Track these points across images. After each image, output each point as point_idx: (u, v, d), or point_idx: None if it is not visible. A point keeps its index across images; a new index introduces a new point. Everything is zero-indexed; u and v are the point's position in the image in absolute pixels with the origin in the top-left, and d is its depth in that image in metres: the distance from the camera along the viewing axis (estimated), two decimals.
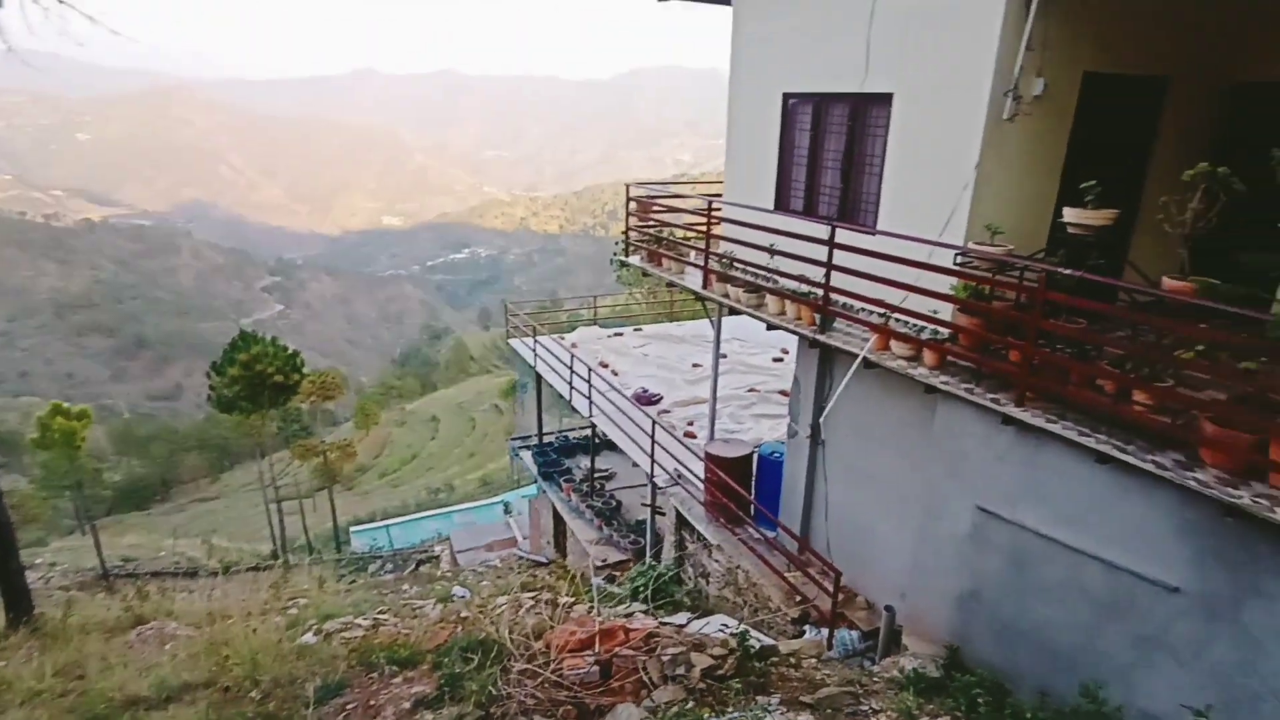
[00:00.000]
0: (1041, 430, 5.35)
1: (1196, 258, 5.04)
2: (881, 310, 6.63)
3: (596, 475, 14.89)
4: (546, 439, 16.76)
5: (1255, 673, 4.67)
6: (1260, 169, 4.57)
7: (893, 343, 6.53)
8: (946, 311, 6.22)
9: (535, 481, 16.59)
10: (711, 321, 10.24)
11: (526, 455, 16.31)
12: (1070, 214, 5.30)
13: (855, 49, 7.19)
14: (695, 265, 9.20)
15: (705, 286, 8.98)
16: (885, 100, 7.05)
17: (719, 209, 9.05)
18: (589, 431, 14.99)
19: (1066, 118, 6.54)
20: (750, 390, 13.74)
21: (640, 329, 18.25)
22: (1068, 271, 4.98)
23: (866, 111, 7.34)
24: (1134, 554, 5.16)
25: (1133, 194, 6.92)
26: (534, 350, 15.08)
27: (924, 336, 6.37)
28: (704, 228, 9.13)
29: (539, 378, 15.40)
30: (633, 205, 10.88)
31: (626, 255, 11.26)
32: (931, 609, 6.80)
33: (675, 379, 14.31)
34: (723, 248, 8.98)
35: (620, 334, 17.63)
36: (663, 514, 11.48)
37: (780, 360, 14.84)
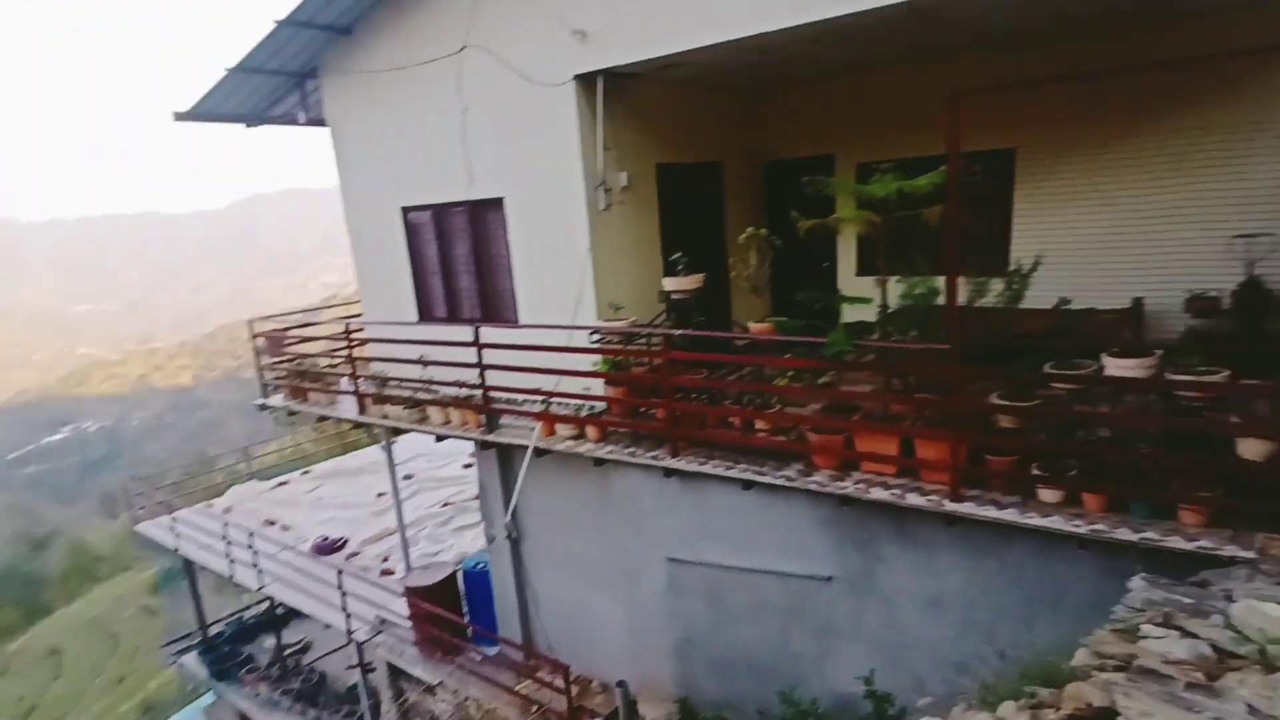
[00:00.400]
0: (697, 474, 5.93)
1: (787, 302, 6.15)
2: (541, 398, 6.85)
3: (287, 652, 12.75)
4: (215, 630, 13.94)
5: (897, 627, 5.61)
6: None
7: (557, 426, 6.75)
8: (598, 386, 6.64)
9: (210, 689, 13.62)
10: (381, 446, 9.60)
11: (190, 658, 13.34)
12: (669, 283, 6.11)
13: (458, 163, 7.54)
14: (346, 392, 8.59)
15: (362, 412, 8.41)
16: (498, 204, 7.47)
17: (361, 329, 8.63)
18: (267, 605, 12.84)
19: (653, 201, 7.61)
20: (445, 504, 13.14)
21: (309, 471, 16.41)
22: (679, 332, 5.70)
23: (484, 216, 7.69)
24: (795, 559, 5.92)
25: (722, 256, 8.29)
26: (173, 531, 12.58)
27: (583, 414, 6.71)
28: (349, 352, 8.60)
29: (188, 563, 12.85)
30: (261, 343, 9.85)
31: (265, 397, 10.10)
32: (656, 669, 6.99)
33: (359, 516, 13.05)
34: (374, 368, 8.55)
35: (285, 482, 15.64)
36: (373, 669, 10.20)
37: (471, 465, 14.49)
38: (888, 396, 5.37)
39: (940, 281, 5.30)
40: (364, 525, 12.59)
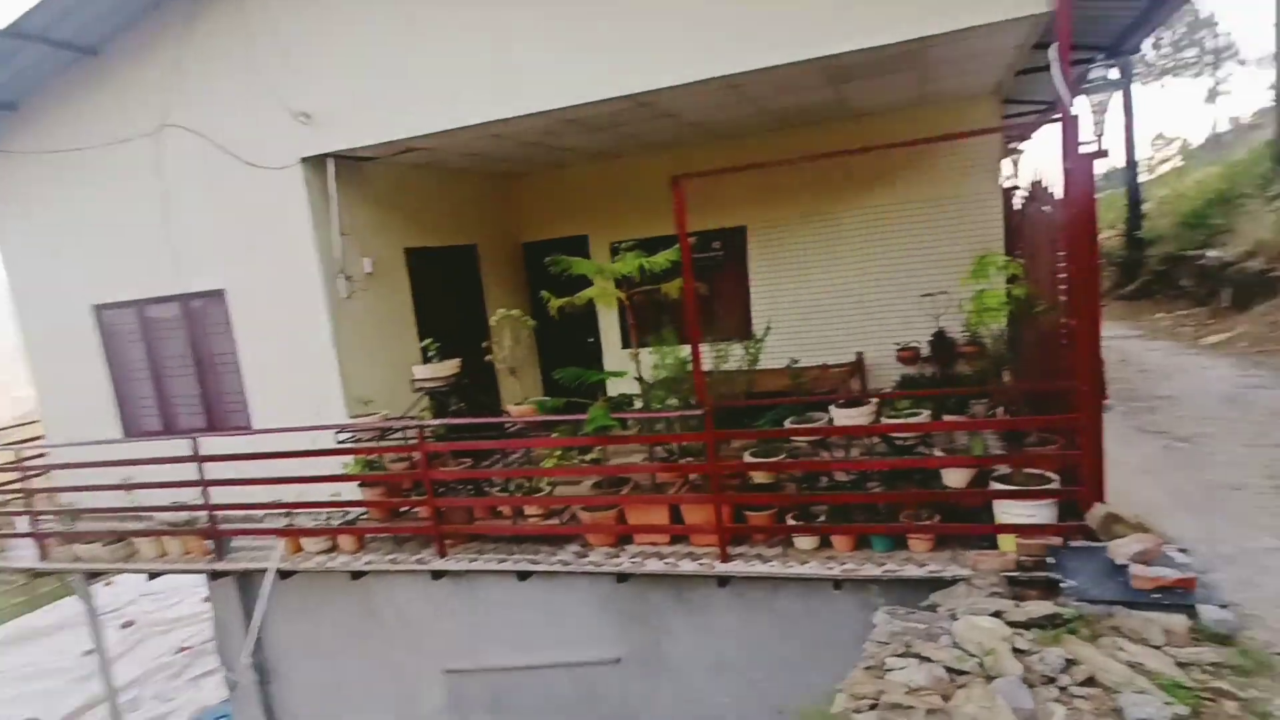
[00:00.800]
0: (469, 572, 5.49)
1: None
2: (284, 510, 6.00)
3: None
4: None
5: (691, 698, 5.52)
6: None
7: (304, 541, 5.93)
8: (350, 491, 5.97)
9: None
10: (79, 595, 7.80)
11: None
12: (420, 371, 5.75)
13: (163, 253, 6.61)
14: (20, 535, 6.89)
15: (45, 558, 6.78)
16: (218, 296, 6.62)
17: (43, 454, 7.05)
18: None
19: (404, 286, 7.23)
20: (181, 650, 11.02)
21: None
22: (433, 422, 5.33)
23: (202, 310, 6.77)
24: (581, 646, 5.64)
25: (485, 339, 8.05)
26: None
27: (336, 524, 5.98)
28: (22, 485, 6.96)
29: None
30: None
31: None
32: None
33: (57, 686, 10.46)
34: (62, 500, 6.99)
35: None
36: None
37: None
38: (653, 466, 5.41)
39: (687, 350, 5.58)
40: (66, 698, 10.11)
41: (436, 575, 5.55)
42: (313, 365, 6.24)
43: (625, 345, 9.01)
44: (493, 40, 5.56)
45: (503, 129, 6.06)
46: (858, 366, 7.89)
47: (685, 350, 5.13)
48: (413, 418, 5.68)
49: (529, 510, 5.61)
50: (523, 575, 5.38)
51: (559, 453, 5.62)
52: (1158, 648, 3.25)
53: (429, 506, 5.49)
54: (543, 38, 5.45)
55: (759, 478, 5.26)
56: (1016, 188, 8.07)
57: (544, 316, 5.92)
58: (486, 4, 5.54)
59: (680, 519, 5.31)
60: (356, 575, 5.77)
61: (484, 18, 5.56)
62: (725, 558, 4.99)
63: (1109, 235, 16.12)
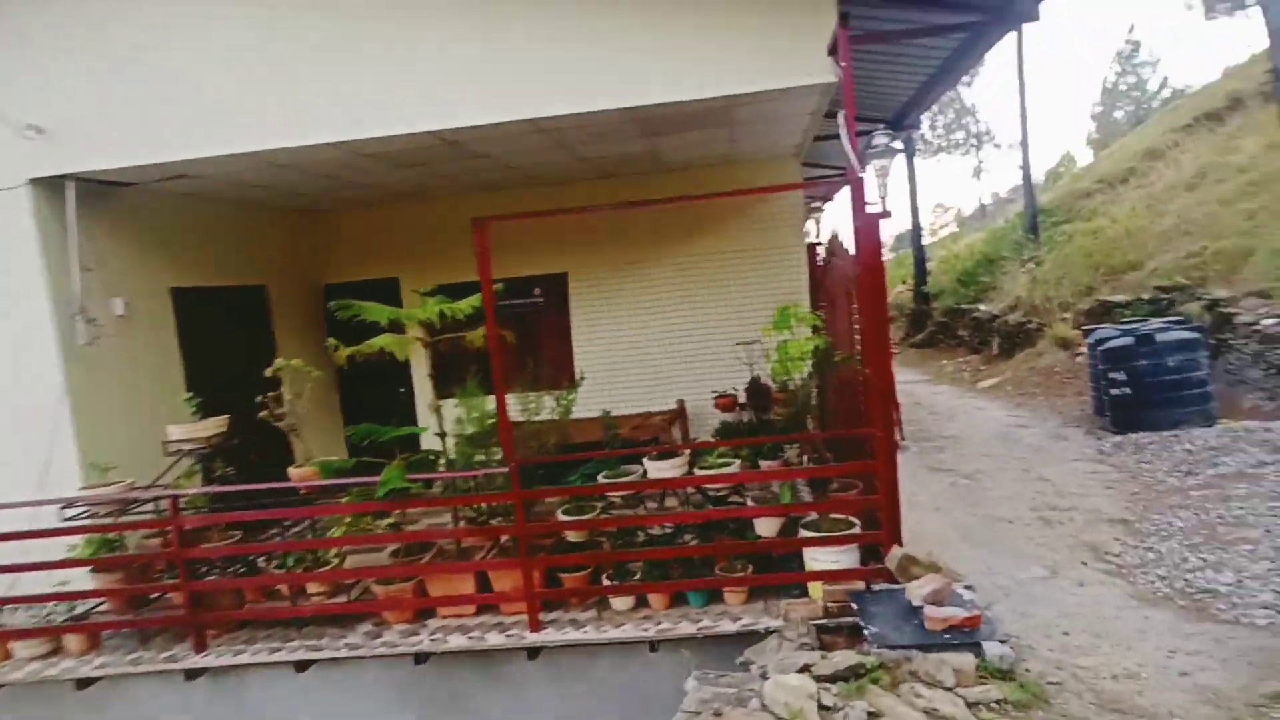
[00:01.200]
0: (234, 667, 4.65)
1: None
2: None
3: None
4: None
5: None
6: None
7: (14, 645, 4.77)
8: (82, 578, 4.91)
9: None
10: None
11: None
12: (175, 431, 4.90)
13: None
14: None
15: None
16: None
17: None
18: None
19: (169, 332, 6.26)
20: None
21: None
22: (189, 492, 4.52)
23: None
24: None
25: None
26: None
27: (59, 621, 4.88)
28: None
29: None
30: None
31: None
32: None
33: None
34: None
35: None
36: None
37: None
38: (453, 531, 4.94)
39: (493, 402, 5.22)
40: None
41: (192, 675, 4.64)
42: (35, 424, 5.14)
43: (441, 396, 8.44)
44: (276, 60, 5.03)
45: (289, 159, 5.47)
46: (679, 414, 7.90)
47: (492, 402, 4.78)
48: (164, 486, 4.79)
49: (312, 588, 4.90)
50: (301, 666, 4.63)
51: (349, 520, 5.00)
52: (950, 689, 3.31)
53: (183, 591, 4.61)
54: (332, 64, 5.01)
55: (573, 536, 4.96)
56: (820, 244, 8.61)
57: (353, 366, 5.32)
58: (269, 19, 5.01)
59: (489, 586, 4.87)
60: (84, 684, 4.69)
61: (266, 36, 5.02)
62: (536, 626, 4.60)
63: (901, 290, 17.92)
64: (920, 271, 16.47)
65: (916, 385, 12.35)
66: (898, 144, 4.28)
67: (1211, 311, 8.65)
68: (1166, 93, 29.24)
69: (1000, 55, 50.00)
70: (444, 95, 4.99)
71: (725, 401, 7.71)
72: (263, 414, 4.74)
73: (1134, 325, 8.23)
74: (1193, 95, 17.56)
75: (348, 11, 4.99)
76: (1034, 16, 4.88)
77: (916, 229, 16.38)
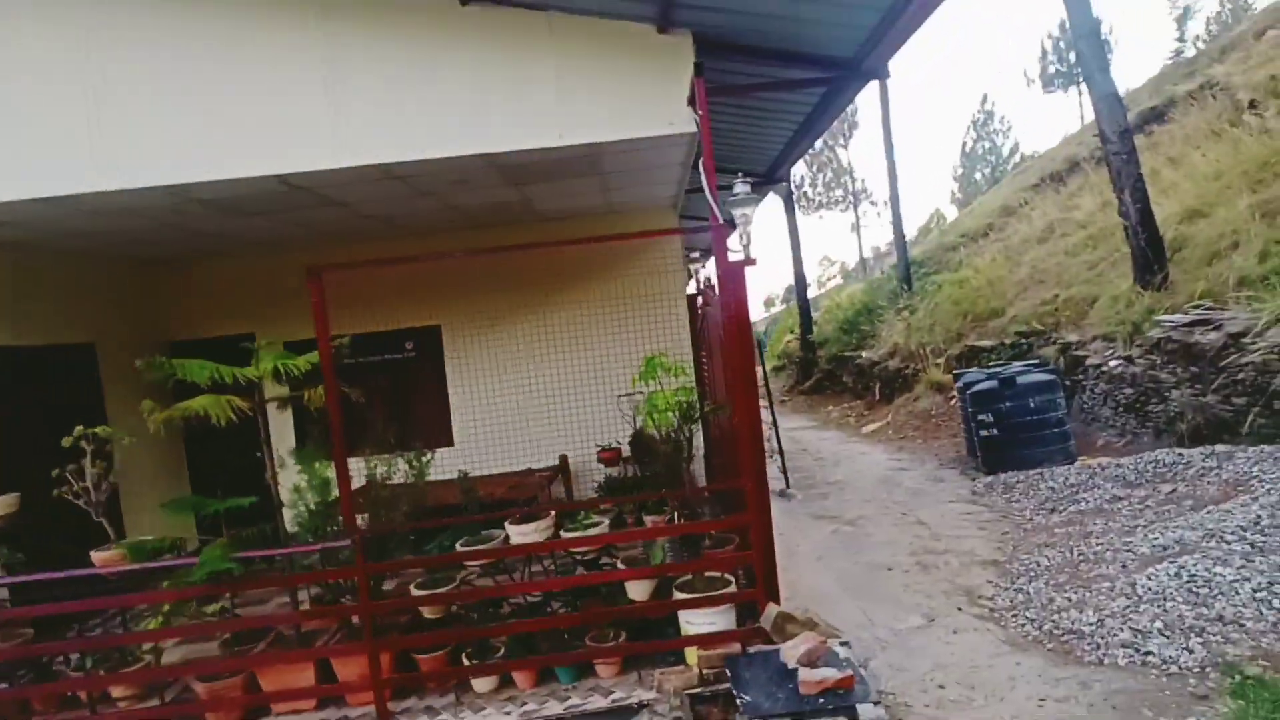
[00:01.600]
0: None
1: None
2: None
3: None
4: None
5: None
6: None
7: None
8: None
9: None
10: None
11: None
12: None
13: None
14: None
15: None
16: None
17: None
18: None
19: None
20: None
21: None
22: None
23: None
24: None
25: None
26: None
27: None
28: None
29: None
30: None
31: None
32: None
33: None
34: None
35: None
36: None
37: None
38: (294, 614, 4.39)
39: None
40: None
41: None
42: None
43: (303, 460, 7.76)
44: (91, 95, 4.54)
45: (100, 204, 4.92)
46: (562, 470, 7.58)
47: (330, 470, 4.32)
48: None
49: (117, 691, 4.20)
50: None
51: (167, 608, 4.35)
52: None
53: None
54: (156, 101, 4.58)
55: (430, 613, 4.50)
56: (700, 294, 8.63)
57: (207, 429, 4.68)
58: (84, 46, 4.53)
59: (333, 676, 4.32)
60: None
61: (77, 69, 4.54)
62: (386, 717, 4.09)
63: (789, 339, 18.44)
64: (806, 321, 17.02)
65: (805, 431, 12.55)
66: (747, 189, 4.27)
67: (1065, 355, 9.24)
68: (1018, 156, 32.25)
69: (873, 118, 54.13)
70: (282, 138, 4.65)
71: (609, 455, 7.45)
72: (57, 491, 4.07)
73: (997, 369, 8.64)
74: (1038, 159, 19.36)
75: (172, 45, 4.59)
76: (882, 75, 5.08)
77: (801, 280, 16.98)
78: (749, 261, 4.55)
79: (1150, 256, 8.42)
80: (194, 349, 7.88)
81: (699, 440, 7.43)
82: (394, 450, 4.97)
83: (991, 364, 9.43)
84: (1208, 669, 3.57)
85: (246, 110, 4.63)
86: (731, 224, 4.61)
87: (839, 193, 33.30)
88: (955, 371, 10.33)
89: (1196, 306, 7.59)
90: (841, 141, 32.40)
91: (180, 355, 7.88)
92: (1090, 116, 14.22)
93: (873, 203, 33.52)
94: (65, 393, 6.49)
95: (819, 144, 32.46)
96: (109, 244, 6.57)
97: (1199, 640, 3.76)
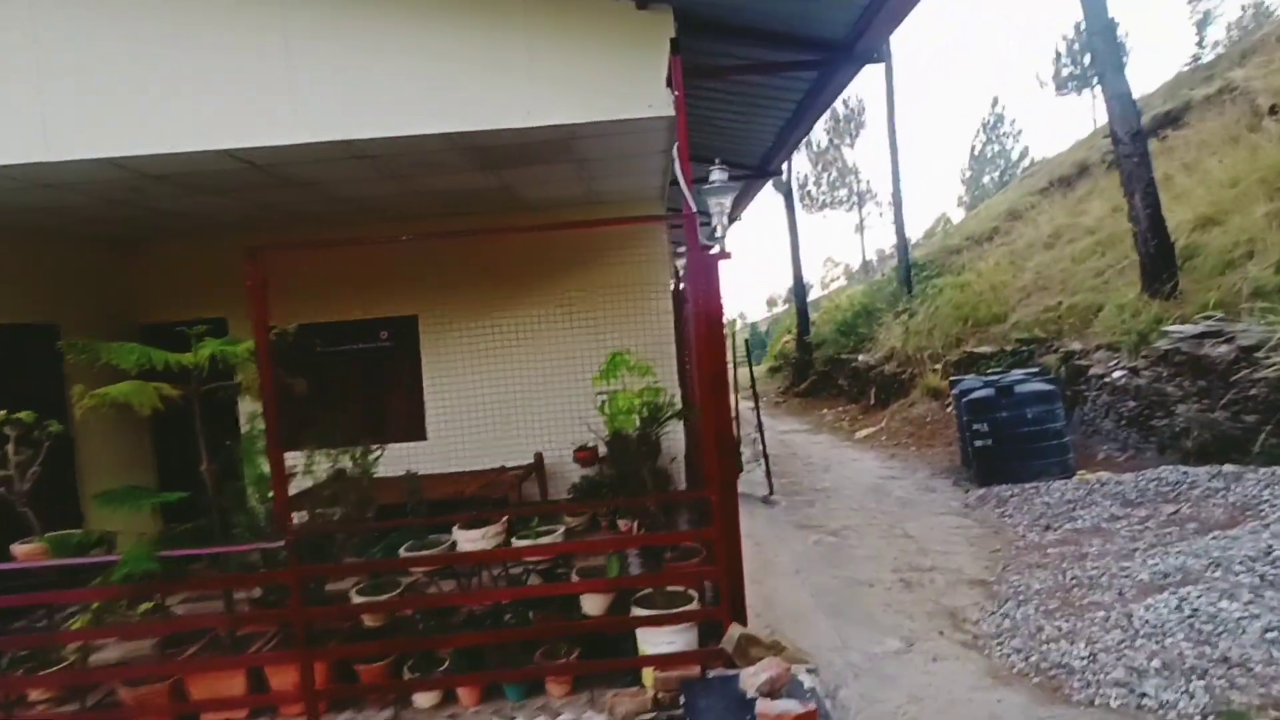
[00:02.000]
0: None
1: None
2: None
3: None
4: None
5: None
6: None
7: None
8: None
9: None
10: None
11: None
12: None
13: None
14: None
15: None
16: None
17: None
18: None
19: None
20: None
21: None
22: None
23: None
24: None
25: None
26: None
27: None
28: None
29: None
30: None
31: None
32: None
33: None
34: None
35: None
36: None
37: None
38: (221, 617, 4.12)
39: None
40: None
41: None
42: None
43: (246, 454, 7.51)
44: (37, 69, 4.29)
45: (51, 177, 4.66)
46: (536, 468, 7.29)
47: (263, 463, 4.04)
48: None
49: (35, 694, 3.94)
50: None
51: (95, 607, 4.08)
52: None
53: None
54: (99, 69, 4.31)
55: (371, 621, 4.22)
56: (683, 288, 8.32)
57: (173, 414, 4.41)
58: (26, 27, 4.27)
59: (266, 685, 4.05)
60: None
61: (25, 41, 4.29)
62: None
63: (786, 340, 18.10)
64: (803, 321, 16.68)
65: (796, 434, 12.23)
66: (724, 176, 3.96)
67: (1067, 364, 8.90)
68: (1027, 161, 31.78)
69: (879, 117, 53.50)
70: (234, 113, 4.37)
71: (585, 455, 7.16)
72: None
73: (995, 377, 8.31)
74: (1048, 162, 18.95)
75: (121, 14, 4.31)
76: (877, 58, 4.76)
77: (799, 280, 16.65)
78: (724, 254, 4.25)
79: (1160, 264, 8.08)
80: (162, 332, 7.66)
81: (679, 441, 7.14)
82: (340, 445, 4.68)
83: (990, 371, 9.10)
84: (1210, 717, 3.26)
85: (198, 84, 4.36)
86: (706, 213, 4.29)
87: (843, 192, 32.87)
88: (952, 378, 10.01)
89: (1207, 317, 7.25)
90: (848, 140, 31.95)
91: (149, 339, 7.67)
92: (1102, 120, 13.84)
93: (877, 204, 33.10)
94: (23, 375, 6.23)
95: (824, 142, 32.05)
96: (70, 221, 6.30)
97: (1201, 683, 3.43)
